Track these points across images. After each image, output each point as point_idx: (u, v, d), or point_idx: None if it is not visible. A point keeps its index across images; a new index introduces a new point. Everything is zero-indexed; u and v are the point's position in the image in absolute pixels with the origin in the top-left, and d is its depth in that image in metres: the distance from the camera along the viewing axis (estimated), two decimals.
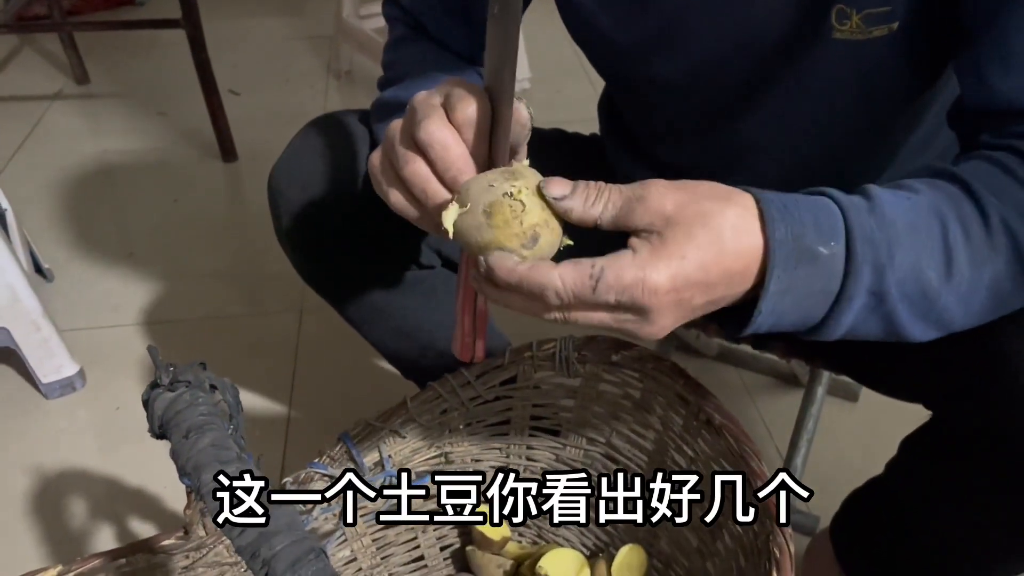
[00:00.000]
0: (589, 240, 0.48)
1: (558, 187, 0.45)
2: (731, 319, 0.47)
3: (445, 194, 0.48)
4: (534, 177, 0.47)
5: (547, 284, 0.42)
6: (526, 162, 0.50)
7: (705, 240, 0.42)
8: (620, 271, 0.42)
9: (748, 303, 0.45)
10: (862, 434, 1.12)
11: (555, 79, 2.09)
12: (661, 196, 0.43)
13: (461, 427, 0.77)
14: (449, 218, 0.46)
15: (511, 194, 0.45)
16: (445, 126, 0.48)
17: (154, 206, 1.68)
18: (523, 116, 0.47)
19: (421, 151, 0.48)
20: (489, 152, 0.49)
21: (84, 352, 1.26)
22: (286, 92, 2.11)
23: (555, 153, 0.83)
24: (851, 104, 0.61)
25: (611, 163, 0.82)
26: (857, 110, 0.61)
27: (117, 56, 2.27)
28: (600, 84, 0.82)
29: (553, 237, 0.46)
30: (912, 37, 0.54)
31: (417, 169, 0.49)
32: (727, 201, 0.44)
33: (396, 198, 0.51)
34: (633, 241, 0.43)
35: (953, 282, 0.45)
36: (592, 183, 0.45)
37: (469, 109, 0.47)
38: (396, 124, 0.51)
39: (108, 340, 1.32)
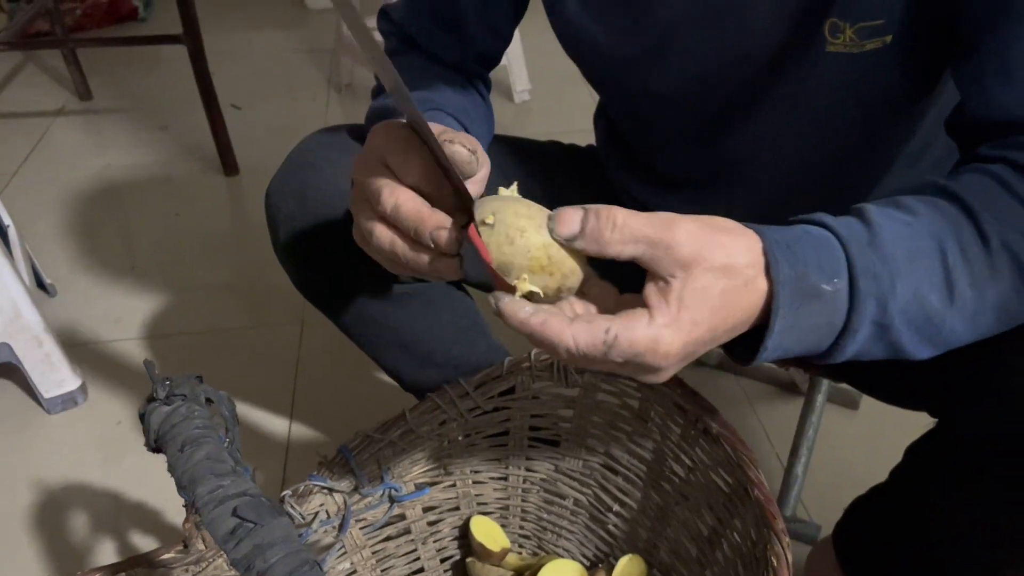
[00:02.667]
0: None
1: (567, 226, 0.43)
2: (735, 347, 0.47)
3: (413, 254, 0.48)
4: (539, 213, 0.44)
5: (559, 343, 0.42)
6: (513, 187, 0.47)
7: (719, 304, 0.42)
8: (634, 337, 0.41)
9: (752, 331, 0.46)
10: (863, 442, 1.12)
11: (554, 89, 2.09)
12: (687, 244, 0.42)
13: (460, 438, 0.77)
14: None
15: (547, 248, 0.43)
16: (396, 189, 0.47)
17: (156, 220, 1.69)
18: (460, 156, 0.46)
19: (384, 221, 0.48)
20: (455, 190, 0.48)
21: (86, 366, 1.27)
22: (287, 106, 2.12)
23: (552, 165, 0.83)
24: (845, 116, 0.61)
25: (608, 174, 0.82)
26: (851, 122, 0.61)
27: (119, 72, 2.29)
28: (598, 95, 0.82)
29: (575, 279, 0.44)
30: (906, 49, 0.54)
31: (381, 236, 0.48)
32: (743, 253, 0.43)
33: (389, 265, 0.51)
34: (651, 295, 0.42)
35: (956, 305, 0.45)
36: (604, 213, 0.42)
37: (413, 170, 0.47)
38: (355, 198, 0.51)
39: (110, 354, 1.32)
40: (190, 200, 1.74)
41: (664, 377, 0.44)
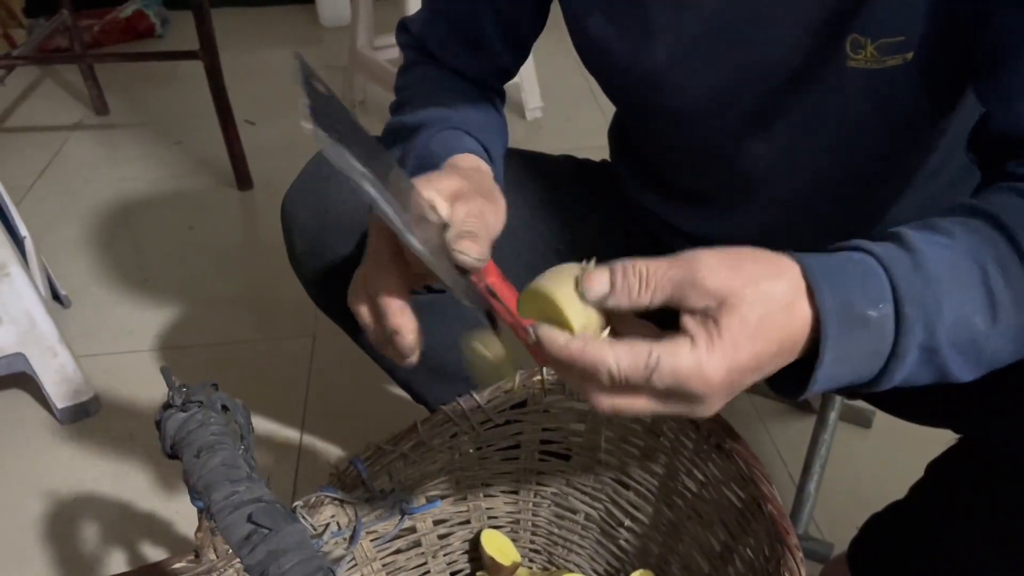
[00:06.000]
0: None
1: (597, 286, 0.43)
2: (782, 382, 0.47)
3: (379, 331, 0.56)
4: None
5: (601, 364, 0.42)
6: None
7: (758, 327, 0.42)
8: (676, 362, 0.41)
9: (797, 363, 0.45)
10: (875, 461, 1.11)
11: (566, 107, 2.11)
12: (713, 276, 0.42)
13: (471, 451, 0.77)
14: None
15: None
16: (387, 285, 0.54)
17: (170, 233, 1.70)
18: (466, 263, 0.51)
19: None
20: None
21: (99, 378, 1.27)
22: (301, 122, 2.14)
23: (566, 179, 0.84)
24: (866, 132, 0.61)
25: (622, 189, 0.82)
26: (872, 138, 0.61)
27: (136, 87, 2.32)
28: (610, 111, 0.83)
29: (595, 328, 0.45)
30: (928, 66, 0.54)
31: (364, 315, 0.57)
32: (776, 278, 0.43)
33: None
34: (688, 324, 0.42)
35: (1000, 325, 0.45)
36: (631, 268, 0.43)
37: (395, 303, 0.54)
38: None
39: (123, 366, 1.33)
40: (204, 214, 1.75)
41: (709, 410, 0.43)
